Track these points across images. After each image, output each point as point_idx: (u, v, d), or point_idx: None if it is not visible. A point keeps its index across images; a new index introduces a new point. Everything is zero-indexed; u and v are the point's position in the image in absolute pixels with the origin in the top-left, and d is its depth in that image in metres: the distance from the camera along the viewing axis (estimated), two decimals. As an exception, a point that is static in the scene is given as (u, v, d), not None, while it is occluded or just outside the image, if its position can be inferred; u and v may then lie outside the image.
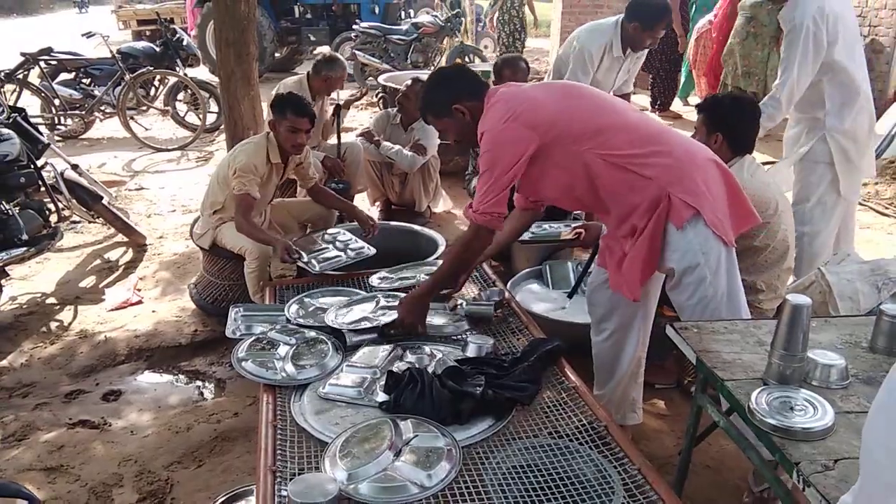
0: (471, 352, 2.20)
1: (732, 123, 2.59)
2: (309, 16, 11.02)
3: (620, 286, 2.25)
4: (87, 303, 3.86)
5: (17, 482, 2.20)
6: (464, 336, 2.35)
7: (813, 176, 3.19)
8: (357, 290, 2.70)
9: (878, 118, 3.78)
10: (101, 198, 4.42)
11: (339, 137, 4.51)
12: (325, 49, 11.84)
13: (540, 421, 1.92)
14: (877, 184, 5.54)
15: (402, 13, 11.71)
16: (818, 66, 2.97)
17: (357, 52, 9.69)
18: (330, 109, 4.60)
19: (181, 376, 3.23)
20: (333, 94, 4.72)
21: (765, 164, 3.21)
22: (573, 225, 3.10)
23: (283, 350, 2.21)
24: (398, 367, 2.09)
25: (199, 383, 3.17)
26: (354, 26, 10.02)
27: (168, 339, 3.45)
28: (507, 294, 2.67)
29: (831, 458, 1.35)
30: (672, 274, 2.15)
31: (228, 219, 3.38)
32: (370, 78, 9.60)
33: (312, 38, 10.90)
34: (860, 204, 4.76)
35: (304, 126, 3.27)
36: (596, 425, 1.87)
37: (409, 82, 4.68)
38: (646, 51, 3.95)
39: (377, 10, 11.09)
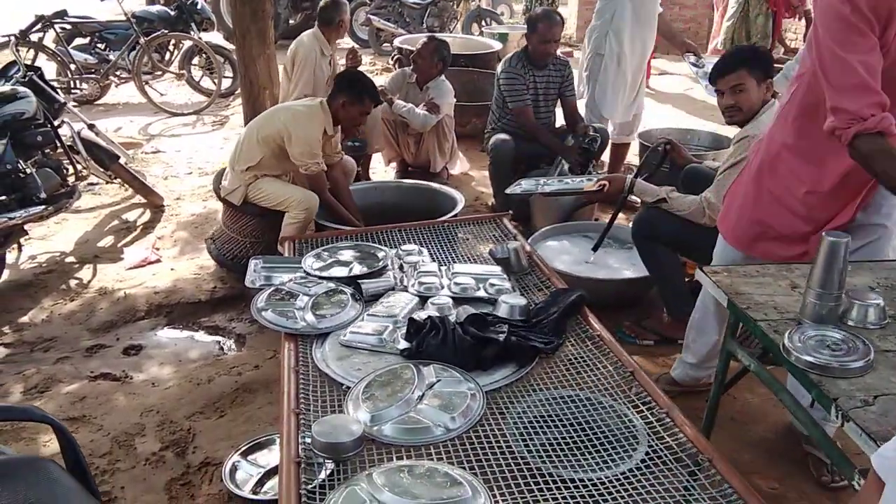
0: (502, 311, 2.10)
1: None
2: (323, -21, 10.87)
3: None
4: (106, 261, 3.87)
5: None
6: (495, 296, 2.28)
7: None
8: (376, 245, 2.67)
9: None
10: (118, 157, 4.41)
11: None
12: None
13: (564, 369, 1.89)
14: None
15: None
16: None
17: (372, 16, 9.56)
18: (342, 61, 4.55)
19: (201, 332, 3.23)
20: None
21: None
22: (597, 177, 3.05)
23: (302, 300, 2.19)
24: (419, 315, 2.06)
25: (219, 338, 3.17)
26: (370, -10, 9.88)
27: (187, 295, 3.45)
28: (527, 247, 2.63)
29: (871, 393, 1.31)
30: (877, 230, 2.03)
31: (262, 175, 3.37)
32: (385, 43, 9.50)
33: (327, 4, 10.76)
34: None
35: (372, 109, 3.41)
36: (622, 372, 1.84)
37: (424, 40, 4.60)
38: None
39: (392, -26, 10.92)
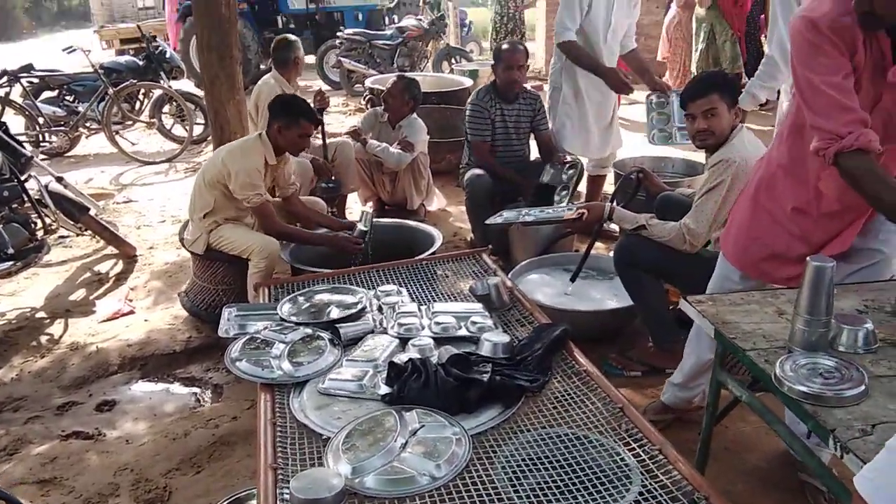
0: (485, 350, 2.04)
1: (737, 92, 2.57)
2: (292, 26, 10.94)
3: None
4: (78, 315, 3.76)
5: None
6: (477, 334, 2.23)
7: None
8: (353, 287, 2.61)
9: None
10: (88, 209, 4.33)
11: (324, 138, 4.43)
12: (309, 59, 11.80)
13: (552, 407, 1.84)
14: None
15: (386, 19, 11.67)
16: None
17: (342, 58, 9.62)
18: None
19: (177, 384, 3.13)
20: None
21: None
22: (576, 206, 3.03)
23: (278, 348, 2.12)
24: (400, 358, 2.00)
25: (195, 390, 3.07)
26: (339, 34, 9.95)
27: (162, 346, 3.35)
28: (508, 282, 2.59)
29: (869, 422, 1.27)
30: (874, 254, 2.00)
31: (223, 221, 3.31)
32: (357, 84, 9.54)
33: (297, 48, 10.82)
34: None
35: (312, 131, 3.33)
36: (611, 408, 1.79)
37: (393, 79, 4.61)
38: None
39: (360, 17, 11.04)
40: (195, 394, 3.04)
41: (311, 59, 11.52)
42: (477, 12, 14.21)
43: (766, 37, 7.07)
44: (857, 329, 1.51)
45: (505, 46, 4.08)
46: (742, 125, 2.61)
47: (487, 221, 3.26)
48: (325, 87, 9.97)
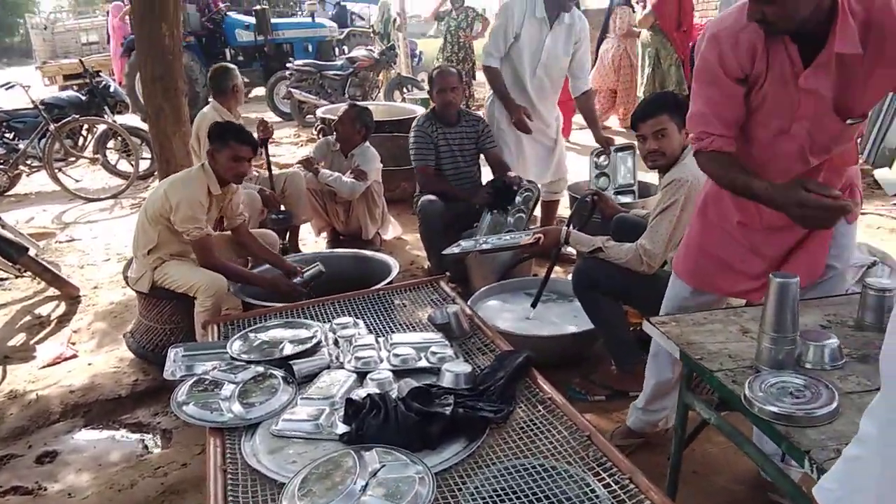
0: (446, 381, 1.97)
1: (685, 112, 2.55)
2: (241, 58, 10.83)
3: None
4: (17, 361, 3.56)
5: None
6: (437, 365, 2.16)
7: None
8: (307, 321, 2.51)
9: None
10: (27, 250, 4.14)
11: (269, 168, 4.34)
12: (258, 90, 11.69)
13: (518, 438, 1.77)
14: (818, 180, 5.62)
15: (336, 50, 11.65)
16: None
17: (293, 89, 9.54)
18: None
19: (122, 430, 2.96)
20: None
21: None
22: (532, 230, 2.99)
23: (228, 389, 2.01)
24: (358, 394, 1.91)
25: (142, 436, 2.91)
26: (288, 65, 9.88)
27: (106, 391, 3.18)
28: (467, 310, 2.53)
29: (842, 441, 1.23)
30: (827, 271, 1.96)
31: (168, 257, 3.18)
32: (308, 115, 9.47)
33: (246, 80, 10.65)
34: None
35: (248, 154, 3.18)
36: (578, 436, 1.73)
37: (344, 107, 4.56)
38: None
39: (310, 48, 11.00)
40: (142, 440, 2.88)
41: (260, 90, 11.45)
42: (427, 43, 14.27)
43: None
44: (824, 345, 1.48)
45: (437, 71, 4.12)
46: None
47: (444, 252, 3.21)
48: (275, 119, 9.87)
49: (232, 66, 4.47)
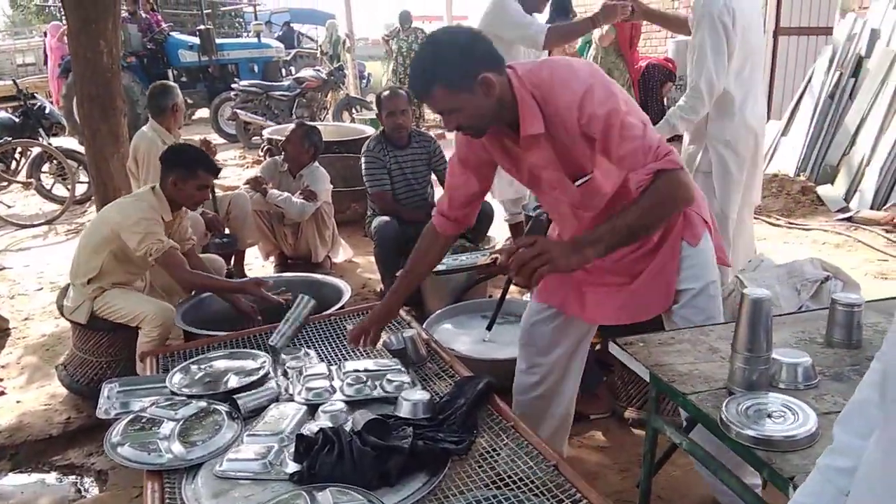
0: (404, 411, 1.86)
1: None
2: (184, 79, 10.58)
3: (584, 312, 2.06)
4: (-64, 401, 3.30)
5: None
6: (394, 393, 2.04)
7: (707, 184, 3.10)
8: (254, 351, 2.37)
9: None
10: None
11: (212, 190, 4.16)
12: (203, 112, 11.44)
13: (480, 469, 1.67)
14: (764, 198, 5.71)
15: (283, 71, 11.50)
16: (730, 54, 2.87)
17: (238, 110, 9.34)
18: None
19: (53, 473, 2.76)
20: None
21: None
22: (488, 251, 2.91)
23: (167, 427, 1.86)
24: (309, 429, 1.78)
25: (75, 479, 2.71)
26: (234, 85, 9.68)
27: (36, 431, 2.95)
28: (423, 334, 2.43)
29: (827, 466, 1.16)
30: (682, 295, 1.93)
31: (110, 286, 2.99)
32: (255, 137, 9.28)
33: (190, 101, 10.44)
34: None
35: (211, 182, 3.08)
36: (545, 465, 1.64)
37: (292, 127, 4.44)
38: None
39: (256, 69, 10.82)
40: (75, 484, 2.68)
41: (204, 112, 11.20)
42: (374, 65, 14.26)
43: (667, 98, 7.29)
44: (797, 364, 1.43)
45: (385, 93, 4.05)
46: None
47: (398, 274, 3.10)
48: (220, 141, 9.64)
49: (171, 84, 4.30)
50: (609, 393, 2.85)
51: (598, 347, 3.11)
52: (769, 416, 1.30)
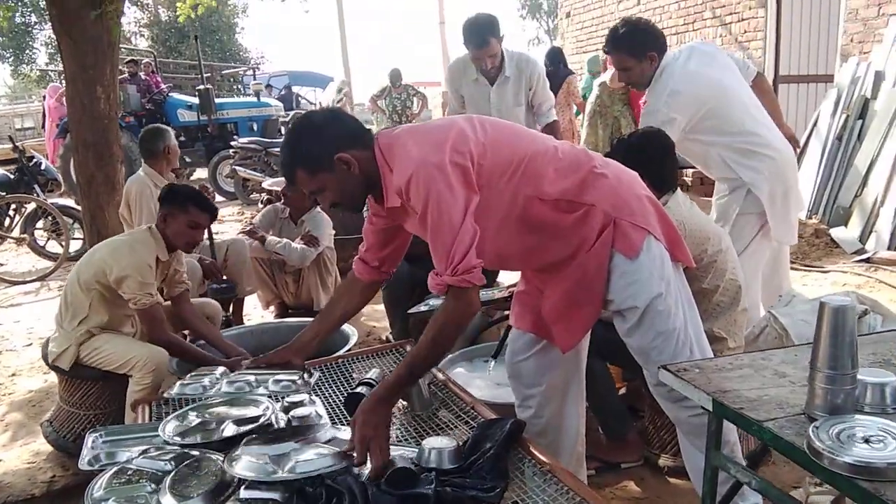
0: (429, 459, 1.64)
1: (652, 159, 2.35)
2: (183, 138, 10.53)
3: (552, 337, 1.93)
4: (-88, 462, 3.06)
5: None
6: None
7: (746, 229, 2.98)
8: (256, 398, 2.15)
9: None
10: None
11: (210, 237, 4.01)
12: (201, 172, 11.40)
13: (516, 519, 1.46)
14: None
15: (283, 129, 11.50)
16: (678, 137, 2.80)
17: (237, 167, 9.27)
18: None
19: (33, 538, 2.51)
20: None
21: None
22: (506, 286, 2.74)
23: (156, 479, 1.64)
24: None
25: (56, 544, 2.46)
26: (233, 142, 9.65)
27: (17, 491, 2.71)
28: (440, 375, 2.24)
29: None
30: (628, 314, 1.79)
31: (98, 331, 2.80)
32: (253, 193, 9.19)
33: (188, 160, 10.39)
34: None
35: (205, 222, 2.93)
36: (590, 513, 1.43)
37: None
38: (534, 79, 3.84)
39: (255, 127, 10.82)
40: (57, 549, 2.43)
41: (203, 172, 11.15)
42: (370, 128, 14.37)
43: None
44: (884, 384, 1.24)
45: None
46: (674, 194, 2.41)
47: (411, 311, 2.93)
48: (219, 199, 9.54)
49: (164, 126, 4.16)
50: (640, 439, 2.62)
51: (622, 391, 2.91)
52: (866, 441, 1.10)
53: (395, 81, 10.35)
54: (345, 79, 12.35)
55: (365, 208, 2.00)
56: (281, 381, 1.95)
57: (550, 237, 1.77)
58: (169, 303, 3.06)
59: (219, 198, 9.71)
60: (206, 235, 4.01)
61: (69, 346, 2.78)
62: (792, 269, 5.08)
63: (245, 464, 1.61)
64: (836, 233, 5.56)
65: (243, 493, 1.56)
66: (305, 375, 1.99)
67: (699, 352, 1.82)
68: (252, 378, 1.86)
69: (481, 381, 2.86)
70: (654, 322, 1.77)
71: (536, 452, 1.68)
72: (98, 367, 2.77)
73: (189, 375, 2.21)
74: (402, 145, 1.71)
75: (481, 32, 3.61)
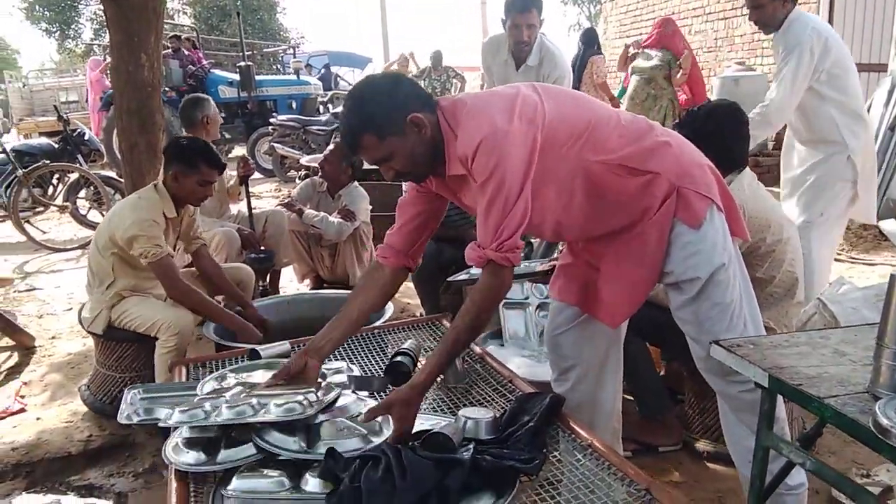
0: (465, 430, 1.61)
1: (719, 134, 2.26)
2: (223, 114, 10.58)
3: (600, 311, 1.86)
4: (-46, 417, 3.13)
5: None
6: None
7: (830, 192, 3.01)
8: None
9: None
10: (-23, 292, 3.75)
11: (249, 208, 4.02)
12: (240, 149, 11.48)
13: (556, 493, 1.43)
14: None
15: (321, 108, 11.52)
16: (807, 82, 2.90)
17: (275, 144, 9.31)
18: (229, 173, 4.10)
19: (70, 494, 2.54)
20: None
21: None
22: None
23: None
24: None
25: (92, 500, 2.49)
26: (272, 120, 9.69)
27: (54, 449, 2.75)
28: (476, 349, 2.21)
29: None
30: (687, 286, 1.72)
31: (128, 293, 2.83)
32: (290, 171, 9.23)
33: (228, 136, 10.46)
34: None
35: (215, 178, 2.91)
36: (633, 490, 1.39)
37: (330, 147, 4.29)
38: (555, 74, 3.74)
39: (294, 105, 10.84)
40: (92, 505, 2.46)
41: (242, 149, 11.22)
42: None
43: None
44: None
45: None
46: (740, 173, 2.33)
47: (451, 278, 2.90)
48: (257, 176, 9.60)
49: (204, 96, 4.17)
50: (679, 423, 2.56)
51: (663, 373, 2.85)
52: (937, 420, 1.04)
53: (437, 64, 10.24)
54: (404, 53, 12.13)
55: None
56: (284, 404, 1.80)
57: (612, 204, 1.71)
58: (193, 269, 3.09)
59: (257, 174, 9.78)
60: (245, 206, 4.04)
61: (101, 310, 2.82)
62: (837, 260, 4.95)
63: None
64: (885, 225, 5.38)
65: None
66: (320, 393, 1.83)
67: (753, 328, 1.75)
68: (255, 401, 1.71)
69: (517, 359, 2.83)
70: (712, 293, 1.70)
71: (576, 427, 1.64)
72: (129, 329, 2.80)
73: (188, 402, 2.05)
74: (468, 112, 1.64)
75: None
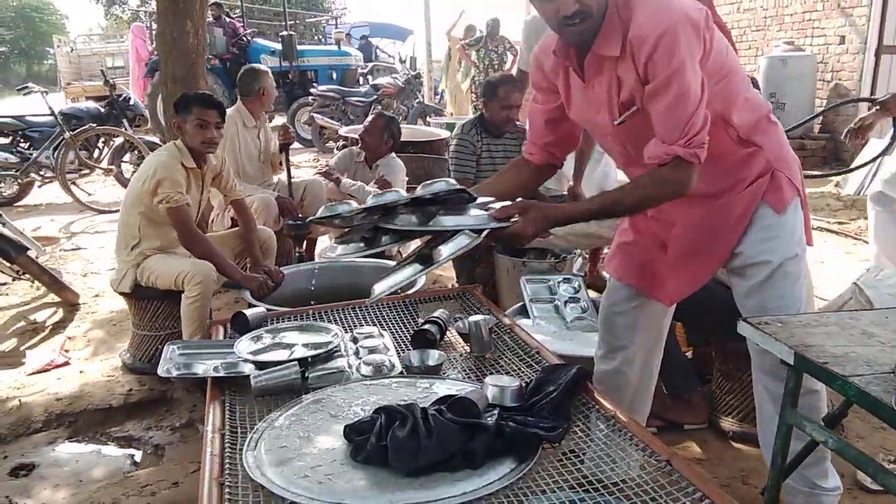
0: (490, 396, 1.63)
1: None
2: (265, 83, 10.73)
3: (658, 289, 1.85)
4: (3, 367, 3.27)
5: None
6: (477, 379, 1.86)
7: None
8: (326, 325, 2.20)
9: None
10: (27, 249, 3.88)
11: (289, 176, 4.08)
12: (281, 118, 11.59)
13: (579, 462, 1.45)
14: (865, 219, 5.32)
15: (361, 79, 11.55)
16: None
17: (315, 115, 9.39)
18: (274, 140, 4.17)
19: (110, 444, 2.66)
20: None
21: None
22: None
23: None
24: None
25: (131, 451, 2.60)
26: (312, 90, 9.75)
27: (96, 401, 2.87)
28: (503, 319, 2.23)
29: None
30: (755, 270, 1.70)
31: (152, 251, 2.94)
32: (329, 141, 9.30)
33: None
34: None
35: (213, 118, 2.97)
36: (655, 460, 1.41)
37: (371, 117, 4.31)
38: None
39: (335, 76, 10.90)
40: (130, 456, 2.57)
41: (282, 119, 11.33)
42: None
43: None
44: None
45: (502, 83, 3.73)
46: None
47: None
48: (295, 146, 9.67)
49: (263, 68, 4.23)
50: (705, 402, 2.57)
51: (690, 354, 2.85)
52: (962, 403, 1.04)
53: (495, 33, 9.43)
54: (489, 19, 10.90)
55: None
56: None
57: (713, 164, 1.61)
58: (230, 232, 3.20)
59: (296, 144, 9.86)
60: (285, 175, 4.10)
61: (126, 270, 2.96)
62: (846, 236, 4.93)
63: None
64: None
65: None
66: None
67: None
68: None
69: (541, 335, 2.84)
70: (780, 283, 1.69)
71: (602, 400, 1.66)
72: (154, 286, 2.92)
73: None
74: None
75: None
